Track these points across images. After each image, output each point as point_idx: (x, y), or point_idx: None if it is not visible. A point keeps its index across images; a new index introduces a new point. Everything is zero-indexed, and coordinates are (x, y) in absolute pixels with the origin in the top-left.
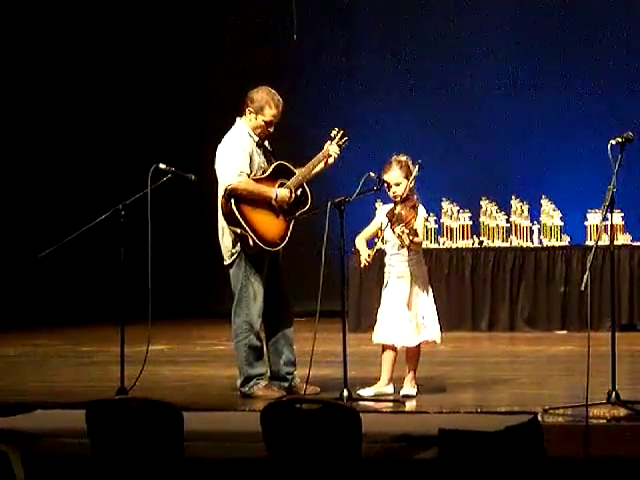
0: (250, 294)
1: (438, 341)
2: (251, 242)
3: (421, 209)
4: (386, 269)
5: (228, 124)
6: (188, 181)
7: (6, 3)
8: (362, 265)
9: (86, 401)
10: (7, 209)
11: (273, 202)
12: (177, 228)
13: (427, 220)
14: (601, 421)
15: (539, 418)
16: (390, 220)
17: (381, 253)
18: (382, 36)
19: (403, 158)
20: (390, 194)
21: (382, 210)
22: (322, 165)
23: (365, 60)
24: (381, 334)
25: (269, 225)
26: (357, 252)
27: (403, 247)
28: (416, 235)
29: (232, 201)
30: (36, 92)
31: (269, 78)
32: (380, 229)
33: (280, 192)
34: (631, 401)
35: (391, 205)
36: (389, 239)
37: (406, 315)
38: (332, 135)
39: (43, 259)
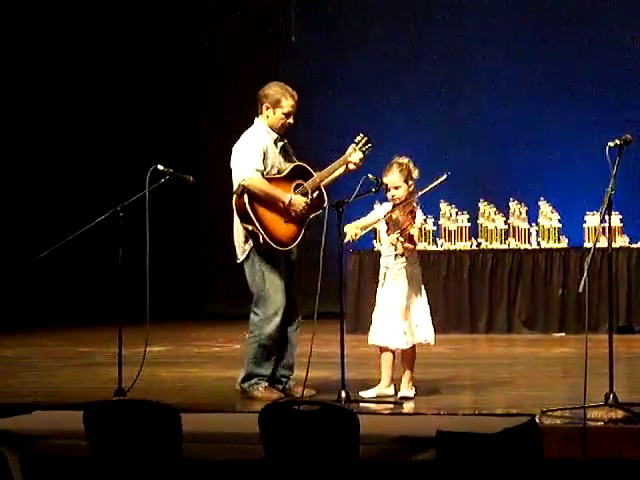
0: (268, 290)
1: (432, 343)
2: (261, 239)
3: (419, 214)
4: (381, 270)
5: (227, 125)
6: (186, 183)
7: (6, 4)
8: (346, 240)
9: (84, 402)
10: (6, 211)
11: (284, 206)
12: (175, 229)
13: (423, 223)
14: (599, 423)
15: (537, 420)
16: (387, 224)
17: (376, 254)
18: (381, 37)
19: (404, 160)
20: (389, 196)
21: (382, 206)
22: (342, 169)
23: (363, 61)
24: (375, 336)
25: (281, 224)
26: (344, 234)
27: (397, 253)
28: (411, 241)
29: (245, 198)
30: (34, 95)
31: (267, 79)
32: (375, 224)
33: (295, 199)
34: (629, 403)
35: (390, 205)
36: (384, 240)
37: (397, 320)
38: (356, 141)
39: (42, 260)
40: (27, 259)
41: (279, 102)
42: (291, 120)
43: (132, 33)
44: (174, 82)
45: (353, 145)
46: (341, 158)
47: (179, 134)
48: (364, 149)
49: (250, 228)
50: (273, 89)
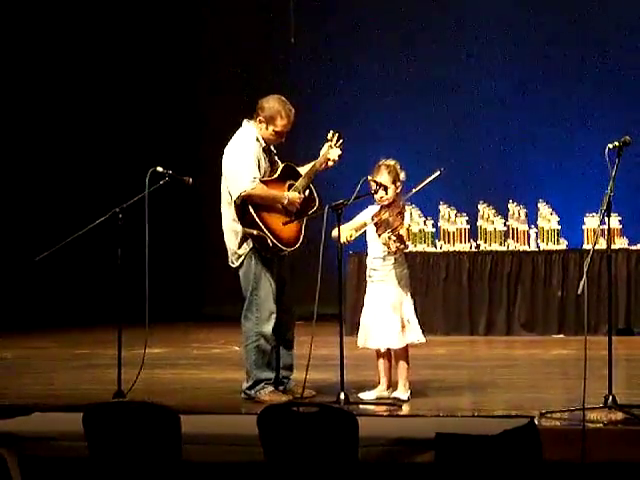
0: (261, 297)
1: (423, 341)
2: (270, 243)
3: (407, 215)
4: (368, 272)
5: (226, 127)
6: (185, 184)
7: (6, 5)
8: (342, 241)
9: (84, 404)
10: (6, 211)
11: (284, 205)
12: (174, 231)
13: (410, 226)
14: (598, 425)
15: (536, 422)
16: (376, 225)
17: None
18: (381, 38)
19: (392, 162)
20: (377, 198)
21: (368, 209)
22: (323, 166)
23: (363, 62)
24: (363, 338)
25: (284, 226)
26: (337, 238)
27: (389, 253)
28: (402, 241)
29: (250, 207)
30: (34, 96)
31: (266, 80)
32: (362, 227)
33: (290, 195)
34: (628, 405)
35: (376, 208)
36: (372, 242)
37: (389, 318)
38: (328, 137)
39: (41, 262)
40: (26, 260)
41: (273, 120)
42: (282, 139)
43: (132, 34)
44: (174, 83)
45: (328, 143)
46: (321, 157)
47: (178, 136)
48: (338, 144)
49: (255, 233)
50: (270, 103)
